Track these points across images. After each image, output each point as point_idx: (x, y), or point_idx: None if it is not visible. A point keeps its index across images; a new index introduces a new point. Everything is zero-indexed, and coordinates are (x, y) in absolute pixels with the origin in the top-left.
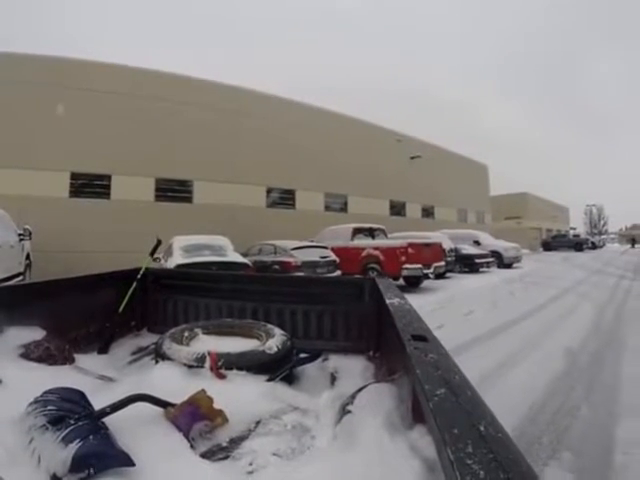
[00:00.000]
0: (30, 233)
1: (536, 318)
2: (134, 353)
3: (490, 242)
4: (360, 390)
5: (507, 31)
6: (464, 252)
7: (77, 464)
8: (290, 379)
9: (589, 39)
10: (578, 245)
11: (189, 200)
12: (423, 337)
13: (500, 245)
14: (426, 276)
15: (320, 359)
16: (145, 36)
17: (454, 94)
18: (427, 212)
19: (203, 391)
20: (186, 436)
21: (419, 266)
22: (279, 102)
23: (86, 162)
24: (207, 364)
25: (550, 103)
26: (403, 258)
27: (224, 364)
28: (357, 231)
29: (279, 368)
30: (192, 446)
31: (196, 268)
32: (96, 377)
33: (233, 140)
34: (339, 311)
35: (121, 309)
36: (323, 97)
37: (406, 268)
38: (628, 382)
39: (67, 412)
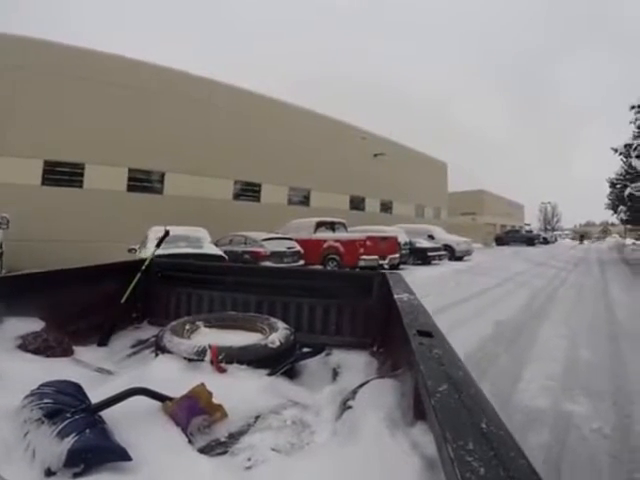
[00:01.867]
0: (8, 222)
1: (477, 300)
2: (134, 346)
3: (443, 236)
4: (362, 385)
5: (480, 30)
6: (418, 245)
7: (73, 458)
8: (291, 374)
9: (556, 42)
10: (530, 240)
11: (160, 191)
12: (429, 333)
13: (452, 239)
14: (381, 267)
15: (323, 354)
16: (144, 30)
17: (425, 91)
18: (386, 207)
19: (202, 385)
20: (184, 431)
21: (375, 257)
22: (249, 96)
23: (60, 150)
24: (208, 358)
25: (517, 104)
26: (361, 250)
27: (225, 358)
28: (320, 224)
29: (281, 362)
30: (190, 441)
31: (171, 259)
32: (94, 370)
33: (203, 132)
34: (346, 305)
35: (123, 300)
36: (297, 89)
37: (363, 259)
38: (541, 342)
39: (63, 405)
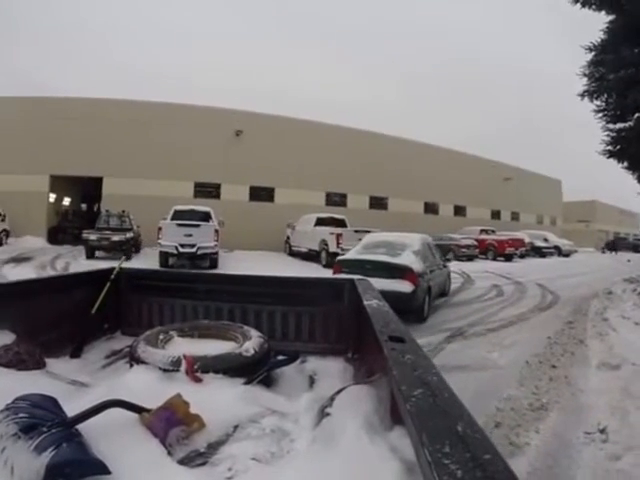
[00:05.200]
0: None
1: (567, 272)
2: (108, 357)
3: (554, 240)
4: (339, 392)
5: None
6: (536, 245)
7: (51, 473)
8: (268, 382)
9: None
10: (635, 247)
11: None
12: (400, 338)
13: (560, 242)
14: (515, 255)
15: (298, 361)
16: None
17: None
18: (515, 217)
19: (179, 395)
20: (162, 442)
21: (513, 249)
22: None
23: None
24: (183, 367)
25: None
26: (506, 245)
27: (200, 367)
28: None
29: (256, 371)
30: (169, 452)
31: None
32: (68, 382)
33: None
34: (318, 312)
35: (94, 310)
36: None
37: (507, 250)
38: (588, 283)
39: (39, 419)
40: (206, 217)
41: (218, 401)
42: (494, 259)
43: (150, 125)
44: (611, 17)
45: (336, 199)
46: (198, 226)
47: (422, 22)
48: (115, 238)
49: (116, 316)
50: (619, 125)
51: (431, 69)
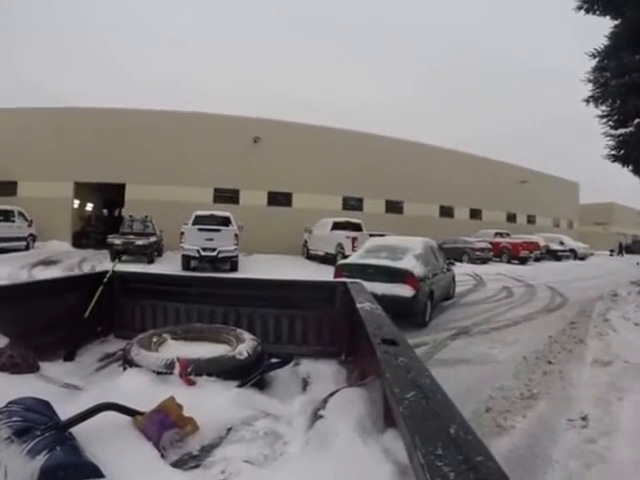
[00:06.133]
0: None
1: (581, 275)
2: (101, 360)
3: (570, 243)
4: (332, 395)
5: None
6: (552, 248)
7: (45, 476)
8: (261, 385)
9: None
10: None
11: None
12: (393, 341)
13: (576, 245)
14: (529, 258)
15: (291, 364)
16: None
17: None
18: (532, 221)
19: (172, 398)
20: (156, 445)
21: (527, 252)
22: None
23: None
24: (176, 370)
25: None
26: (520, 248)
27: (194, 370)
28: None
29: (250, 374)
30: (162, 455)
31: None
32: (62, 385)
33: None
34: (311, 315)
35: (87, 314)
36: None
37: (522, 253)
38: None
39: (33, 423)
40: (226, 222)
41: (211, 404)
42: (508, 262)
43: (170, 133)
44: (616, 22)
45: (353, 203)
46: (219, 230)
47: (424, 20)
48: (139, 242)
49: (109, 319)
50: (620, 131)
51: (436, 68)
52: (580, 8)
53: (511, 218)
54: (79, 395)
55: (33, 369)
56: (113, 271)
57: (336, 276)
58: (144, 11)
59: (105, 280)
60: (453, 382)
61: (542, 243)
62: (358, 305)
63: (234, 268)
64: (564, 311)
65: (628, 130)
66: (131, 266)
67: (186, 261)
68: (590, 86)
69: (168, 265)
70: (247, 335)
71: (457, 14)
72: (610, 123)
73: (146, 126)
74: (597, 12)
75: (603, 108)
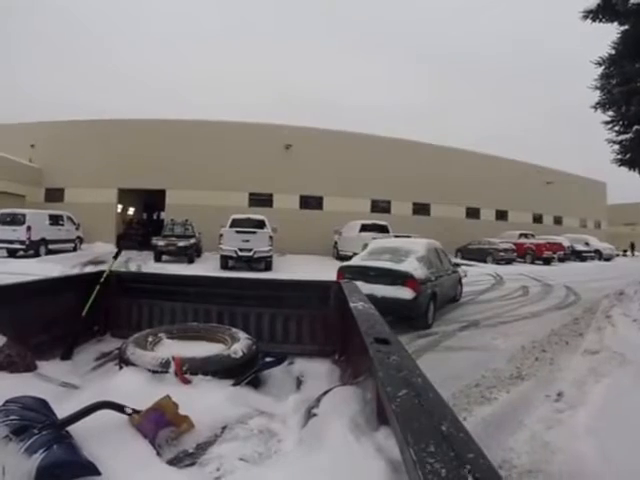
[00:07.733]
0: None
1: (604, 279)
2: (97, 359)
3: (595, 243)
4: (326, 393)
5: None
6: (577, 248)
7: (42, 474)
8: (256, 383)
9: None
10: None
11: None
12: (386, 340)
13: (601, 246)
14: (553, 258)
15: (285, 363)
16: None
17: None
18: (558, 221)
19: (168, 397)
20: (152, 443)
21: (550, 252)
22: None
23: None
24: (172, 369)
25: None
26: (544, 249)
27: (189, 369)
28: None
29: (244, 372)
30: (158, 453)
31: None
32: (59, 384)
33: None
34: (305, 314)
35: (84, 313)
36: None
37: (545, 253)
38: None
39: (30, 421)
40: (261, 224)
41: (206, 402)
42: (532, 262)
43: (207, 141)
44: (624, 28)
45: (381, 206)
46: (254, 233)
47: (426, 22)
48: (180, 244)
49: (106, 318)
50: (621, 137)
51: (455, 65)
52: (586, 17)
53: (537, 219)
54: (76, 394)
55: (30, 368)
56: (110, 271)
57: (338, 278)
58: (137, 11)
59: (102, 280)
60: (453, 363)
61: (566, 244)
62: (351, 304)
63: (268, 267)
64: (573, 309)
65: (628, 136)
66: (173, 266)
67: (224, 261)
68: (598, 93)
69: (207, 265)
70: (242, 334)
71: (462, 16)
72: (615, 129)
73: (184, 135)
74: (603, 20)
75: (610, 114)
